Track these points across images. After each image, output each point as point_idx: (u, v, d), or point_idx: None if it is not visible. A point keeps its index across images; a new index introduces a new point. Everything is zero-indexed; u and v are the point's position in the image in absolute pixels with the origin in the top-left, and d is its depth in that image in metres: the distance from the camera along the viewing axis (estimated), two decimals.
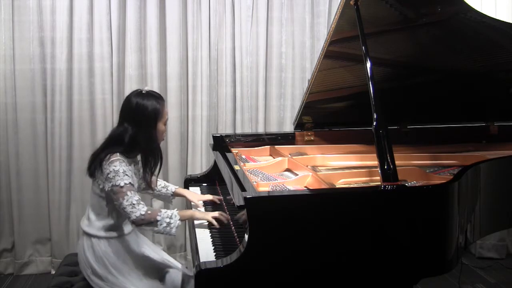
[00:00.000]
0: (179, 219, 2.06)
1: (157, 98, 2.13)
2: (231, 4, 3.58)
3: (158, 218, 2.01)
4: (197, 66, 3.60)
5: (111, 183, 2.01)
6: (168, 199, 2.48)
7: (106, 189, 2.04)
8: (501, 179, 2.32)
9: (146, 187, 2.33)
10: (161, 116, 2.12)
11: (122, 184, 1.99)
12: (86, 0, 3.40)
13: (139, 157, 2.20)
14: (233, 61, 3.62)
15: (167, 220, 2.02)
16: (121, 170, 2.01)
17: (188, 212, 2.19)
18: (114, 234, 2.13)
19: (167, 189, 2.46)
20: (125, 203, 1.99)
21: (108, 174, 2.01)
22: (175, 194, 2.47)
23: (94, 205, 2.14)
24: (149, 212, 2.01)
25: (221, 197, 2.42)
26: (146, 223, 2.02)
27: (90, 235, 2.12)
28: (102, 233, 2.11)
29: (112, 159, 2.03)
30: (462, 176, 1.91)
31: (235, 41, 3.60)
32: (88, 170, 2.12)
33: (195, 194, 2.50)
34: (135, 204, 2.00)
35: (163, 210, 2.05)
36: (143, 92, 2.12)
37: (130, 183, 2.02)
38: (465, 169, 2.01)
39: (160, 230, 2.03)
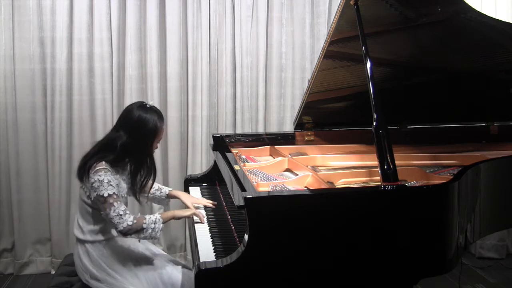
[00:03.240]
0: (162, 222, 2.09)
1: (159, 115, 2.13)
2: (231, 4, 3.58)
3: (144, 226, 2.04)
4: (197, 66, 3.60)
5: (96, 192, 2.02)
6: (163, 202, 2.48)
7: (92, 198, 2.05)
8: (501, 179, 2.32)
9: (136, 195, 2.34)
10: (158, 134, 2.13)
11: (106, 194, 2.00)
12: (86, 0, 3.40)
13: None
14: (233, 61, 3.62)
15: (152, 226, 2.06)
16: (105, 180, 2.01)
17: (169, 214, 2.19)
18: (106, 237, 2.13)
19: (161, 192, 2.45)
20: (112, 213, 2.01)
21: (93, 183, 2.02)
22: (169, 196, 2.46)
23: (81, 211, 2.14)
24: (135, 221, 2.03)
25: (215, 202, 2.39)
26: (133, 232, 2.04)
27: (83, 241, 2.13)
28: (94, 237, 2.12)
29: (97, 168, 2.03)
30: (462, 176, 1.91)
31: (235, 41, 3.60)
32: (78, 173, 2.13)
33: (189, 196, 2.46)
34: (122, 215, 2.01)
35: (147, 217, 2.07)
36: (147, 106, 2.13)
37: (114, 193, 2.02)
38: (465, 169, 2.01)
39: (146, 236, 2.06)
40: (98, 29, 3.44)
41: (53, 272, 3.51)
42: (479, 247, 3.87)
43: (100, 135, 3.46)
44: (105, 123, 3.50)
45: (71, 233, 3.54)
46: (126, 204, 2.15)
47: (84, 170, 2.07)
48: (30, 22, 3.39)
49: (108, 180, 2.01)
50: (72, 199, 3.53)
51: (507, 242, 3.90)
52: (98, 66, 3.46)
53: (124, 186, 2.14)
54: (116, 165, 2.09)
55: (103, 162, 2.05)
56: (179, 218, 2.22)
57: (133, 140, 2.07)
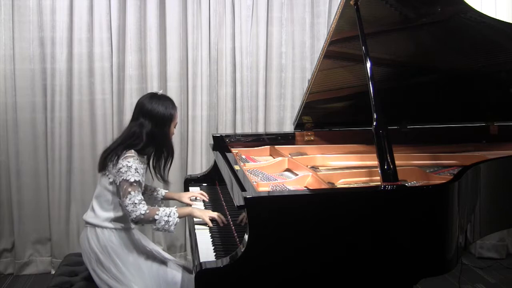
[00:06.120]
0: (178, 216, 2.12)
1: (171, 101, 2.24)
2: (231, 4, 3.58)
3: (156, 217, 2.08)
4: (197, 66, 3.61)
5: (122, 177, 2.06)
6: (158, 203, 2.51)
7: (118, 183, 2.09)
8: (501, 179, 2.32)
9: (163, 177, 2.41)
10: (174, 118, 2.22)
11: (132, 180, 2.06)
12: (86, 0, 3.40)
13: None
14: (233, 61, 3.62)
15: (165, 218, 2.08)
16: (133, 166, 2.07)
17: (187, 209, 2.24)
18: (118, 225, 2.17)
19: (157, 193, 2.50)
20: (127, 201, 2.05)
21: (121, 168, 2.07)
22: (165, 198, 2.52)
23: (100, 198, 2.18)
24: (148, 211, 2.07)
25: (207, 199, 2.45)
26: (145, 222, 2.09)
27: (94, 225, 2.16)
28: (106, 224, 2.16)
29: (127, 155, 2.10)
30: (462, 176, 1.91)
31: (235, 41, 3.60)
32: (102, 163, 2.17)
33: (184, 194, 2.54)
34: (137, 204, 2.06)
35: (161, 209, 2.10)
36: (159, 94, 2.24)
37: (139, 180, 2.08)
38: (465, 169, 2.01)
39: (158, 228, 2.10)
40: (98, 29, 3.44)
41: (53, 272, 3.51)
42: (479, 247, 3.86)
43: (100, 135, 3.48)
44: (105, 123, 3.51)
45: (71, 233, 3.54)
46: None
47: (112, 158, 2.11)
48: (30, 22, 3.39)
49: (136, 167, 2.08)
50: (72, 199, 3.53)
51: (507, 242, 3.90)
52: (98, 66, 3.47)
53: (143, 179, 2.18)
54: (142, 154, 2.16)
55: (132, 150, 2.12)
56: (196, 217, 2.22)
57: (155, 127, 2.16)
